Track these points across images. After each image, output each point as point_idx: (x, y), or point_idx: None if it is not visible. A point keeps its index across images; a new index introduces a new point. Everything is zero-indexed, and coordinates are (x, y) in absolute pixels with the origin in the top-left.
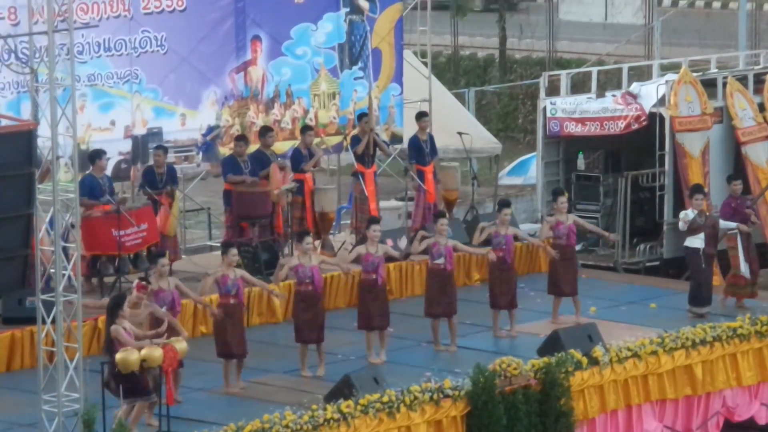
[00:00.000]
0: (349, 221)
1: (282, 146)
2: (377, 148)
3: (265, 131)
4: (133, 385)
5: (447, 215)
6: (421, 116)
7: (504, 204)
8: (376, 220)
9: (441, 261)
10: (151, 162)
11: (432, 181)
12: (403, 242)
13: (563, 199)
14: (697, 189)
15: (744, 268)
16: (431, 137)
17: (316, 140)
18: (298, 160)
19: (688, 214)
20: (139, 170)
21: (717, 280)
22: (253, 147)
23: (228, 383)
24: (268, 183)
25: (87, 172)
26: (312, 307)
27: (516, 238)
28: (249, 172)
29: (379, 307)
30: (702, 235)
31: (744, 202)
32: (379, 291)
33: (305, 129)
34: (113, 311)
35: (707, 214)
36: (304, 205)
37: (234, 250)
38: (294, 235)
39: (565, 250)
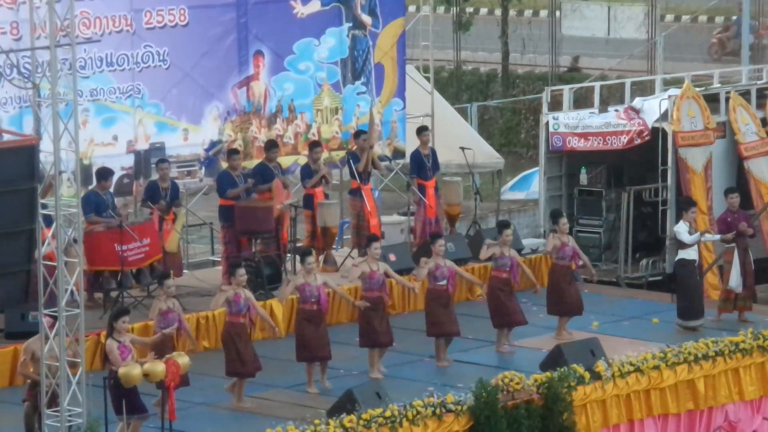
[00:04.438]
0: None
1: (285, 161)
2: (373, 165)
3: (271, 146)
4: (134, 399)
5: (442, 235)
6: (422, 131)
7: (504, 225)
8: (376, 238)
9: (443, 283)
10: (154, 177)
11: (433, 196)
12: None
13: (564, 221)
14: (692, 202)
15: (736, 283)
16: (434, 152)
17: (324, 155)
18: (308, 175)
19: (682, 226)
20: (142, 185)
21: (715, 294)
22: (256, 160)
23: (240, 398)
24: (270, 196)
25: (90, 188)
26: (317, 326)
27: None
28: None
29: (383, 324)
30: (696, 248)
31: (741, 216)
32: (383, 308)
33: (314, 145)
34: (110, 325)
35: (695, 227)
36: (313, 219)
37: (242, 271)
38: (296, 252)
39: (568, 270)
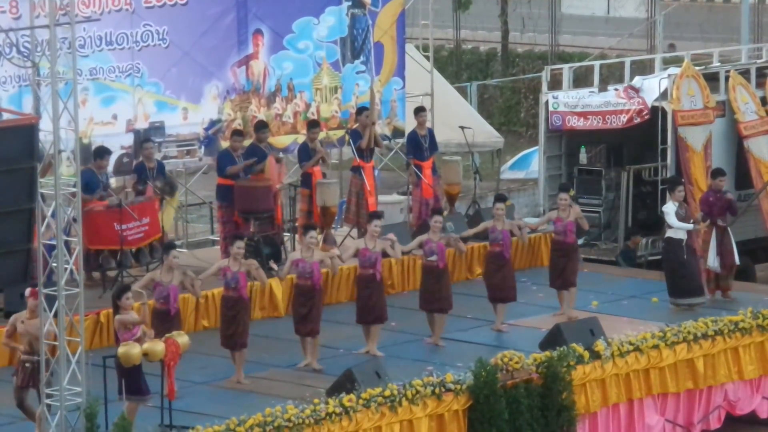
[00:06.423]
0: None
1: (284, 140)
2: (375, 143)
3: (261, 126)
4: (135, 380)
5: (443, 212)
6: (418, 111)
7: (497, 198)
8: (378, 216)
9: (434, 258)
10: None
11: (430, 177)
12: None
13: (563, 196)
14: (679, 181)
15: (713, 262)
16: (431, 132)
17: (321, 135)
18: (306, 155)
19: (670, 207)
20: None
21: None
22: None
23: (238, 372)
24: (263, 176)
25: (86, 166)
26: (308, 302)
27: (512, 233)
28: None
29: (376, 302)
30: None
31: (723, 198)
32: (376, 286)
33: (312, 125)
34: (114, 303)
35: (686, 206)
36: (311, 198)
37: (239, 243)
38: (297, 229)
39: (563, 246)
